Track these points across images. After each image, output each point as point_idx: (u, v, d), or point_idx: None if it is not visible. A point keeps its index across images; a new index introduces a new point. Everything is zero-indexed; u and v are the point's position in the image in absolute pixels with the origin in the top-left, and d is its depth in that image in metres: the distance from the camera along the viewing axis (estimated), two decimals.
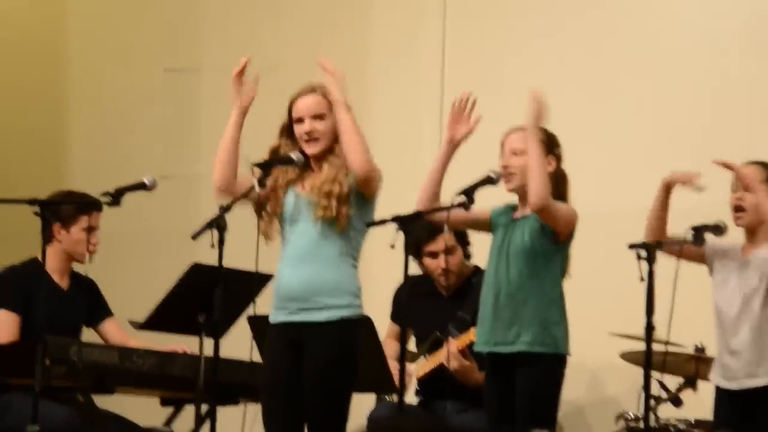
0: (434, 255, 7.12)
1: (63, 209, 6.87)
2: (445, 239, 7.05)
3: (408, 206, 6.08)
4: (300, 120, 5.99)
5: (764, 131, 7.15)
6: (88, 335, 7.07)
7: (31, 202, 6.37)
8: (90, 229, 6.94)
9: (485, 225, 6.32)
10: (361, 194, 5.94)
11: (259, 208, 6.06)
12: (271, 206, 6.05)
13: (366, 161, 5.85)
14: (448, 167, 6.17)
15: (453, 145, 6.16)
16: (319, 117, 5.98)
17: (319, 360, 5.86)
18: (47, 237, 6.49)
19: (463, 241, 7.17)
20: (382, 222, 5.90)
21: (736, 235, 6.14)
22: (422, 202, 6.15)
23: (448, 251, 7.12)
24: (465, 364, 6.85)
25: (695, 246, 6.01)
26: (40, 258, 6.46)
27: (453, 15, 8.29)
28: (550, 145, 6.17)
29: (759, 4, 7.52)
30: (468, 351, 6.82)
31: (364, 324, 6.13)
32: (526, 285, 6.09)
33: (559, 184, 6.18)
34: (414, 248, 6.67)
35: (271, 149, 6.07)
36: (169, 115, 8.86)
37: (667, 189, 6.11)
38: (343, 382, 5.89)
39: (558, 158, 6.21)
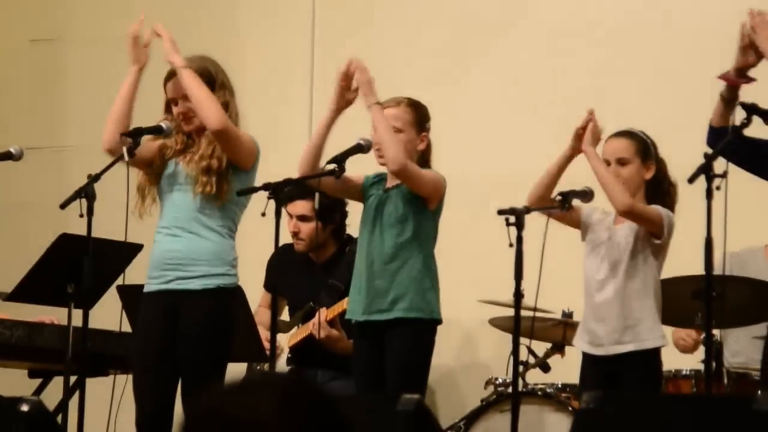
0: (290, 216, 7.11)
1: None
2: (303, 205, 7.02)
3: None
4: (172, 102, 6.01)
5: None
6: None
7: None
8: None
9: (357, 193, 6.27)
10: (238, 168, 5.92)
11: (143, 186, 6.08)
12: (150, 177, 6.03)
13: (215, 116, 5.82)
14: (329, 134, 6.11)
15: (335, 113, 6.10)
16: (188, 97, 5.94)
17: (195, 327, 5.85)
18: None
19: (329, 216, 7.02)
20: (253, 190, 5.89)
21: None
22: (302, 168, 6.12)
23: (302, 218, 7.11)
24: (333, 334, 6.86)
25: (562, 211, 5.93)
26: None
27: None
28: (421, 121, 6.18)
29: None
30: (338, 320, 6.72)
31: (238, 293, 6.10)
32: (400, 253, 6.07)
33: (425, 155, 6.18)
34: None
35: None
36: (36, 86, 8.72)
37: (572, 153, 6.00)
38: (217, 350, 5.88)
39: (428, 132, 6.19)
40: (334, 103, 6.08)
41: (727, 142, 5.51)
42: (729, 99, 5.61)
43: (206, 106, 5.82)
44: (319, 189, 6.17)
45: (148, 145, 5.99)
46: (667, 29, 7.40)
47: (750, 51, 5.52)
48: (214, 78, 5.97)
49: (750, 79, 5.58)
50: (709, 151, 5.53)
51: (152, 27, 5.94)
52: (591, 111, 6.01)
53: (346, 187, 6.21)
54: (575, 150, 6.04)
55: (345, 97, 6.06)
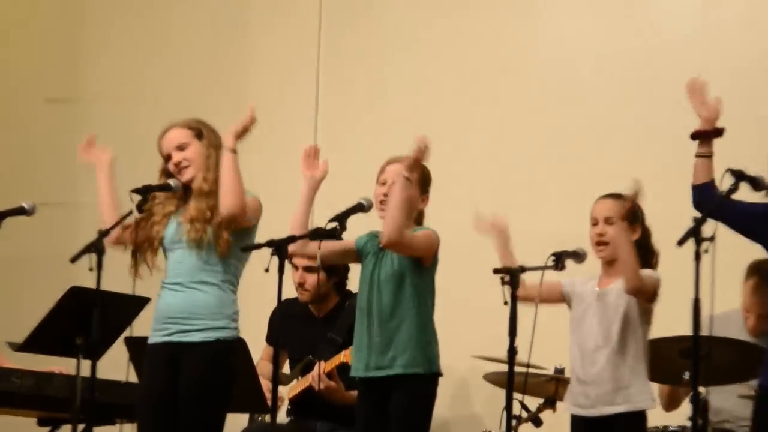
0: (296, 267, 7.10)
1: None
2: (307, 260, 6.95)
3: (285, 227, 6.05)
4: (168, 156, 6.05)
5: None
6: None
7: None
8: None
9: (353, 255, 6.29)
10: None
11: (135, 250, 6.08)
12: (149, 240, 6.06)
13: (234, 203, 5.85)
14: (311, 206, 6.17)
15: (310, 190, 6.16)
16: (181, 147, 6.03)
17: (194, 379, 5.83)
18: None
19: (333, 270, 7.07)
20: (257, 246, 5.87)
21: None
22: (293, 232, 6.08)
23: (308, 269, 7.12)
24: (331, 386, 6.83)
25: (556, 270, 5.96)
26: None
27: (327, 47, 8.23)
28: (425, 183, 6.19)
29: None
30: (336, 372, 6.72)
31: (239, 345, 6.08)
32: (399, 310, 6.07)
33: (419, 215, 6.21)
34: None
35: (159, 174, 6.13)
36: (51, 143, 8.71)
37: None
38: (216, 400, 5.86)
39: (428, 193, 6.23)
40: (306, 182, 6.15)
41: (716, 207, 5.53)
42: (705, 155, 5.66)
43: (232, 191, 5.86)
44: (318, 261, 6.15)
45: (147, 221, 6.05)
46: (658, 89, 7.44)
47: (705, 105, 5.61)
48: (201, 132, 6.03)
49: (719, 131, 5.64)
50: (698, 214, 5.56)
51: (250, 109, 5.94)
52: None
53: (341, 253, 6.27)
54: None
55: (313, 174, 6.13)
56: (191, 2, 8.69)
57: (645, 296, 5.97)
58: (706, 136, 5.62)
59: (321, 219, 6.04)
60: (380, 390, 6.02)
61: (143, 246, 6.05)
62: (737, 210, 5.58)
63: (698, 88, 5.66)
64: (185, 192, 6.03)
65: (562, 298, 6.18)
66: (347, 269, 7.13)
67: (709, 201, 5.53)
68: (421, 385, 6.01)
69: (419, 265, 6.10)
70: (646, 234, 6.07)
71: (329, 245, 6.12)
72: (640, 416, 6.01)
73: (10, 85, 8.91)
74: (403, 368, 5.99)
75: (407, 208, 5.98)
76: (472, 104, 7.92)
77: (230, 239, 5.89)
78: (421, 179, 6.16)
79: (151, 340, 5.97)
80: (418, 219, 6.18)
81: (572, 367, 6.13)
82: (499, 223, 6.14)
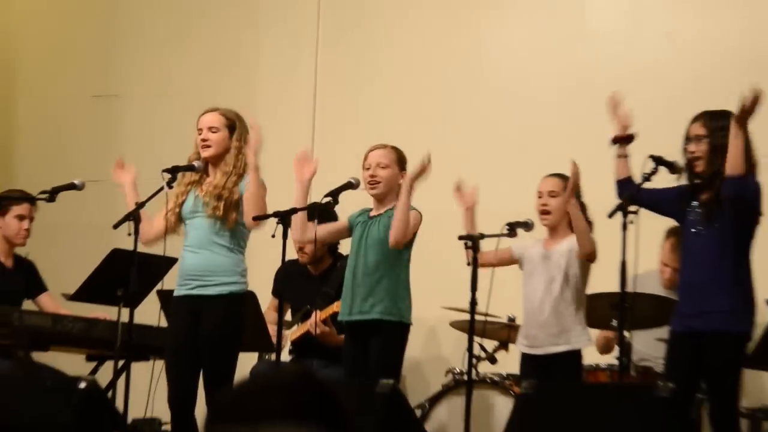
0: None
1: (1, 202, 6.76)
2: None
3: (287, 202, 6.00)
4: (200, 131, 6.04)
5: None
6: (27, 305, 6.94)
7: None
8: (21, 218, 6.83)
9: (346, 232, 6.30)
10: None
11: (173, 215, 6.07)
12: (174, 209, 6.04)
13: (256, 213, 5.79)
14: (306, 198, 6.10)
15: (303, 187, 6.08)
16: (213, 129, 6.00)
17: (212, 324, 5.84)
18: None
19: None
20: (265, 217, 5.83)
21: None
22: (294, 233, 6.07)
23: None
24: (325, 330, 6.81)
25: (509, 237, 5.98)
26: None
27: (324, 58, 8.19)
28: (401, 162, 6.18)
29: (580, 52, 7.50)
30: (330, 319, 6.73)
31: (249, 297, 6.10)
32: (380, 268, 6.07)
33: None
34: None
35: (189, 158, 6.09)
36: (97, 131, 8.69)
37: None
38: (231, 343, 5.86)
39: (406, 171, 6.18)
40: (298, 181, 6.06)
41: (633, 194, 5.55)
42: (622, 155, 5.71)
43: (254, 203, 5.81)
44: (316, 241, 6.18)
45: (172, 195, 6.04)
46: (589, 91, 7.43)
47: (620, 115, 5.66)
48: (235, 125, 6.02)
49: (631, 136, 5.69)
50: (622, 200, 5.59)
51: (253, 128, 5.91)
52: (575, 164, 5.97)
53: (335, 233, 6.31)
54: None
55: (304, 175, 6.06)
56: (207, 8, 8.65)
57: (592, 258, 5.99)
58: (622, 141, 5.68)
59: (319, 197, 6.05)
60: (362, 334, 6.04)
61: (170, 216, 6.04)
62: (651, 197, 5.61)
63: (616, 102, 5.70)
64: (205, 169, 6.02)
65: (513, 260, 6.19)
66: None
67: (629, 192, 5.56)
68: (393, 332, 6.02)
69: None
70: (582, 208, 6.08)
71: (326, 229, 6.14)
72: (577, 354, 6.04)
73: (60, 83, 8.87)
74: (380, 314, 6.01)
75: (407, 218, 6.00)
76: (446, 101, 7.88)
77: (238, 216, 5.88)
78: (398, 158, 6.17)
79: (176, 293, 5.98)
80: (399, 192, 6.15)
81: (524, 315, 6.14)
82: (473, 194, 6.15)
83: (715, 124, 5.47)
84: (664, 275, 6.58)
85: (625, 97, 5.68)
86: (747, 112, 5.22)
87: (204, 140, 5.99)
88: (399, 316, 6.04)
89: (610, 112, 5.70)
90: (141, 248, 5.94)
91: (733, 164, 5.33)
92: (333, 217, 6.51)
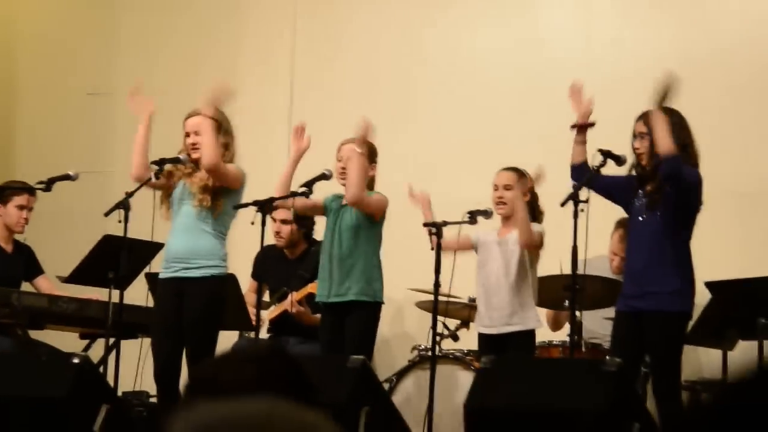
0: (274, 220, 6.96)
1: (3, 192, 6.69)
2: (285, 212, 6.87)
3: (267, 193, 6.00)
4: (187, 134, 5.98)
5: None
6: (25, 287, 6.89)
7: None
8: (21, 207, 6.79)
9: (320, 210, 6.27)
10: (229, 189, 5.88)
11: (164, 193, 6.02)
12: (166, 193, 5.99)
13: (210, 156, 5.79)
14: (295, 170, 6.08)
15: (297, 156, 6.09)
16: (198, 133, 5.94)
17: (195, 306, 5.80)
18: None
19: (302, 223, 7.02)
20: (245, 205, 5.86)
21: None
22: (277, 193, 6.03)
23: (284, 221, 7.00)
24: (301, 310, 6.80)
25: (470, 224, 5.98)
26: None
27: (301, 50, 8.14)
28: (372, 155, 6.13)
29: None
30: (305, 300, 6.71)
31: (230, 280, 6.09)
32: (354, 253, 6.05)
33: (371, 181, 6.15)
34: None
35: (179, 151, 6.03)
36: (92, 125, 8.63)
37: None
38: (212, 322, 5.84)
39: (376, 164, 6.17)
40: (294, 151, 6.08)
41: (589, 178, 5.56)
42: (581, 141, 5.68)
43: (208, 148, 5.80)
44: (294, 206, 6.14)
45: (165, 177, 5.97)
46: (547, 90, 7.42)
47: (581, 103, 5.65)
48: (221, 125, 5.97)
49: (591, 124, 5.67)
50: (575, 183, 5.59)
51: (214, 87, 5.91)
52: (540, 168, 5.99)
53: (312, 208, 6.25)
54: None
55: (300, 146, 6.06)
56: (189, 7, 8.58)
57: (533, 246, 5.98)
58: (582, 127, 5.65)
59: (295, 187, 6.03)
60: (338, 313, 6.03)
61: (163, 192, 5.99)
62: (603, 183, 5.61)
63: (577, 90, 5.68)
64: (194, 164, 5.95)
65: (471, 246, 6.18)
66: (313, 223, 7.09)
67: (582, 176, 5.55)
68: (367, 311, 6.01)
69: (371, 220, 6.09)
70: (534, 198, 6.08)
71: (303, 201, 6.08)
72: (530, 334, 6.04)
73: (58, 82, 8.80)
74: (355, 296, 5.99)
75: (362, 173, 5.97)
76: (412, 98, 7.84)
77: (222, 204, 5.85)
78: (369, 152, 6.13)
79: (161, 276, 5.94)
80: (370, 184, 6.15)
81: (478, 298, 6.13)
82: (423, 195, 6.13)
83: None
84: (613, 263, 6.58)
85: (583, 84, 5.65)
86: (660, 94, 5.30)
87: (193, 144, 5.93)
88: (373, 296, 6.04)
89: (572, 99, 5.66)
90: (130, 233, 5.91)
91: (660, 145, 5.38)
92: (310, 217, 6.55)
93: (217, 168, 5.81)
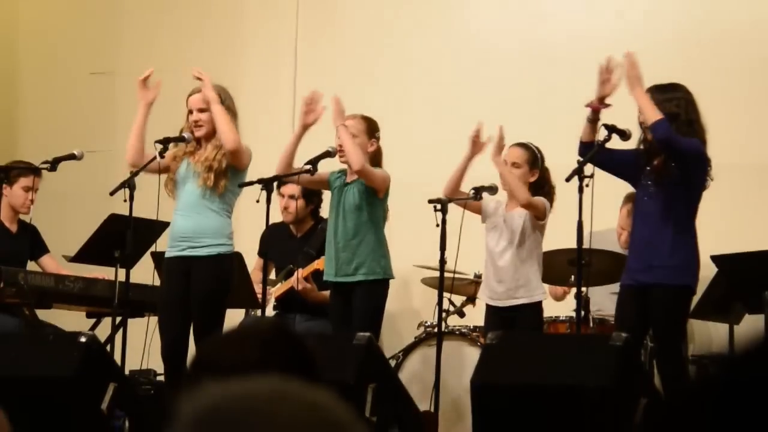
0: (282, 195, 6.92)
1: (9, 173, 6.69)
2: (293, 188, 6.83)
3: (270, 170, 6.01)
4: (190, 111, 5.98)
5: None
6: (30, 266, 6.89)
7: None
8: (27, 189, 6.79)
9: (325, 184, 6.27)
10: (234, 167, 5.88)
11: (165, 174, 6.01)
12: (171, 172, 5.98)
13: (233, 140, 5.80)
14: (298, 144, 6.08)
15: (301, 131, 6.07)
16: (202, 110, 5.93)
17: (202, 284, 5.82)
18: (1, 193, 6.42)
19: (310, 199, 7.02)
20: (250, 183, 5.87)
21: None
22: (279, 169, 6.03)
23: (291, 197, 6.96)
24: (307, 287, 6.78)
25: (475, 201, 5.95)
26: None
27: (304, 37, 8.12)
28: (371, 131, 6.11)
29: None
30: (311, 277, 6.71)
31: (236, 258, 6.10)
32: (359, 232, 6.05)
33: (377, 157, 6.13)
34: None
35: (180, 129, 6.02)
36: (95, 105, 8.62)
37: (471, 156, 6.01)
38: (218, 300, 5.86)
39: (378, 140, 6.16)
40: (301, 123, 6.06)
41: (593, 153, 5.56)
42: (593, 120, 5.65)
43: (227, 131, 5.80)
44: (298, 182, 6.15)
45: (169, 155, 5.96)
46: (553, 69, 7.39)
47: (607, 84, 5.58)
48: (224, 103, 5.96)
49: (607, 105, 5.63)
50: (581, 159, 5.59)
51: (194, 71, 5.89)
52: (500, 127, 6.00)
53: (317, 180, 6.21)
54: (473, 153, 6.06)
55: (308, 119, 6.03)
56: None
57: (535, 212, 5.96)
58: (598, 107, 5.62)
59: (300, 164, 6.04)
60: (346, 292, 6.04)
61: (167, 173, 5.98)
62: (609, 158, 5.61)
63: (610, 68, 5.60)
64: (198, 142, 5.96)
65: (478, 210, 6.14)
66: (320, 201, 7.08)
67: (589, 152, 5.55)
68: (376, 288, 6.02)
69: (374, 198, 6.08)
70: (545, 174, 6.07)
71: (307, 177, 6.08)
72: (537, 306, 6.04)
73: (60, 61, 8.78)
74: (365, 275, 6.00)
75: (351, 141, 5.95)
76: (420, 74, 7.81)
77: (227, 182, 5.84)
78: (367, 128, 6.13)
79: (167, 254, 5.94)
80: (376, 161, 6.13)
81: (485, 270, 6.13)
82: (494, 143, 6.00)
83: (661, 96, 5.50)
84: (621, 238, 6.58)
85: (619, 66, 5.58)
86: (629, 77, 5.40)
87: (196, 121, 5.93)
88: (382, 273, 6.05)
89: (601, 78, 5.60)
90: (136, 212, 5.92)
91: (645, 116, 5.42)
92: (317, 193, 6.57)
93: (239, 150, 5.82)
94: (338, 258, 6.04)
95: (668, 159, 5.48)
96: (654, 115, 5.37)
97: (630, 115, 5.59)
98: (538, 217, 6.00)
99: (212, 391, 1.24)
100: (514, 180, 5.93)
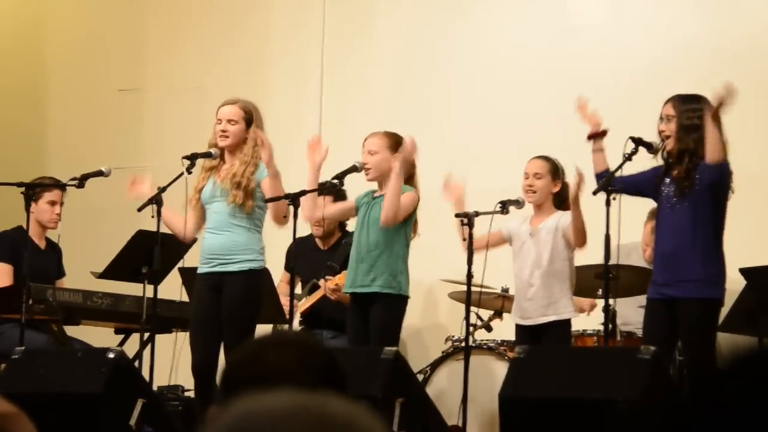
0: None
1: (34, 189, 6.73)
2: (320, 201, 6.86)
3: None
4: (219, 121, 6.00)
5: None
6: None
7: (19, 184, 6.38)
8: (52, 203, 6.81)
9: (352, 212, 6.29)
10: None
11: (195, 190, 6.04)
12: (195, 196, 6.02)
13: (281, 213, 5.86)
14: (317, 180, 6.06)
15: (315, 170, 6.05)
16: (232, 121, 5.95)
17: (233, 298, 5.84)
18: (29, 210, 6.39)
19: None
20: (277, 198, 5.85)
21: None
22: (305, 213, 6.02)
23: None
24: (339, 294, 6.72)
25: (502, 214, 5.96)
26: (24, 226, 6.42)
27: (330, 45, 8.14)
28: (396, 145, 6.08)
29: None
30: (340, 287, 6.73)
31: (264, 274, 6.10)
32: (380, 245, 6.05)
33: (411, 174, 6.12)
34: None
35: (208, 144, 6.05)
36: (122, 121, 8.66)
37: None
38: (249, 315, 5.88)
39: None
40: (311, 167, 6.00)
41: (608, 179, 5.56)
42: (597, 149, 5.73)
43: (278, 209, 5.84)
44: (324, 217, 6.22)
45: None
46: (576, 81, 7.38)
47: (590, 119, 5.68)
48: (252, 118, 5.99)
49: (604, 133, 5.71)
50: (604, 188, 5.58)
51: (255, 132, 5.87)
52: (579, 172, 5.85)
53: (342, 212, 6.33)
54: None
55: (315, 160, 6.01)
56: (219, 5, 8.60)
57: (581, 247, 5.94)
58: (596, 136, 5.70)
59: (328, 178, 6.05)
60: (363, 303, 6.04)
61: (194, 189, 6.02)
62: (628, 183, 5.62)
63: (582, 104, 5.74)
64: (221, 156, 5.99)
65: (503, 240, 6.16)
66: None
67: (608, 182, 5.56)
68: (392, 304, 6.00)
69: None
70: (564, 187, 6.07)
71: (334, 207, 6.19)
72: (566, 323, 6.02)
73: (88, 79, 8.83)
74: (380, 288, 5.99)
75: (397, 194, 5.95)
76: (444, 89, 7.83)
77: (254, 203, 5.87)
78: (390, 143, 6.08)
79: (199, 270, 5.97)
80: (410, 177, 6.11)
81: (515, 289, 6.13)
82: (455, 188, 6.09)
83: (684, 106, 5.54)
84: (645, 254, 6.56)
85: (589, 99, 5.68)
86: (721, 106, 5.31)
87: (223, 131, 5.95)
88: (398, 289, 6.03)
89: (580, 113, 5.72)
90: (163, 229, 5.94)
91: (711, 153, 5.41)
92: (343, 197, 6.53)
93: (285, 220, 5.89)
94: (357, 268, 6.06)
95: (690, 169, 5.48)
96: (720, 154, 5.39)
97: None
98: (580, 247, 5.97)
99: (249, 403, 1.24)
100: (582, 228, 5.85)
